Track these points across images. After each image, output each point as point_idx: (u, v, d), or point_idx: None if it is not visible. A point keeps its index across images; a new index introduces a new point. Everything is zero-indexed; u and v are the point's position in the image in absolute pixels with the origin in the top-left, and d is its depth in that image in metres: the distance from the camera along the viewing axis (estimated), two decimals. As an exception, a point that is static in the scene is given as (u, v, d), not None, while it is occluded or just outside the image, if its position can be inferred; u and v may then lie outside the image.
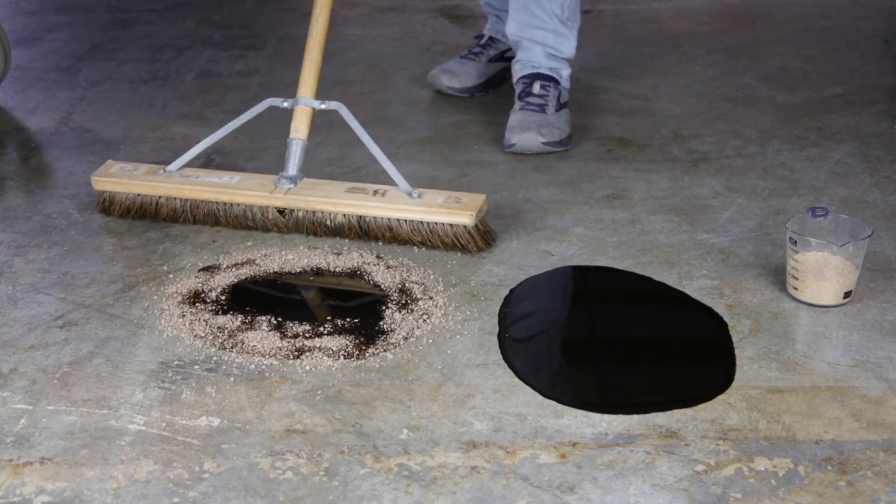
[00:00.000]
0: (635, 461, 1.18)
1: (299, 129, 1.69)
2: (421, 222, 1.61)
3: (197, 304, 1.49)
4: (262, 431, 1.24)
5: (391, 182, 1.66)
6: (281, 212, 1.66)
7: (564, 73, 2.10)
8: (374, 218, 1.62)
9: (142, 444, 1.21)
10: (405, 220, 1.61)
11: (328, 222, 1.64)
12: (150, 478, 1.16)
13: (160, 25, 2.87)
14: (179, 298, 1.51)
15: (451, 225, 1.59)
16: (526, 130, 1.96)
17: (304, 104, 1.70)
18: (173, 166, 1.72)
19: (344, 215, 1.63)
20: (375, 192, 1.63)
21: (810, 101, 2.27)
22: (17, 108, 2.30)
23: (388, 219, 1.62)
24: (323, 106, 1.70)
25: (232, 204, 1.67)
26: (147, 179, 1.71)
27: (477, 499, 1.13)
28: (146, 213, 1.72)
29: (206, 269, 1.59)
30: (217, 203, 1.68)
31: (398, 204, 1.61)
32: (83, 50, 2.65)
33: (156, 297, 1.52)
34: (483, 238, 1.61)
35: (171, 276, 1.58)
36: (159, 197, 1.70)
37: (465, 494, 1.13)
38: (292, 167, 1.66)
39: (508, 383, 1.32)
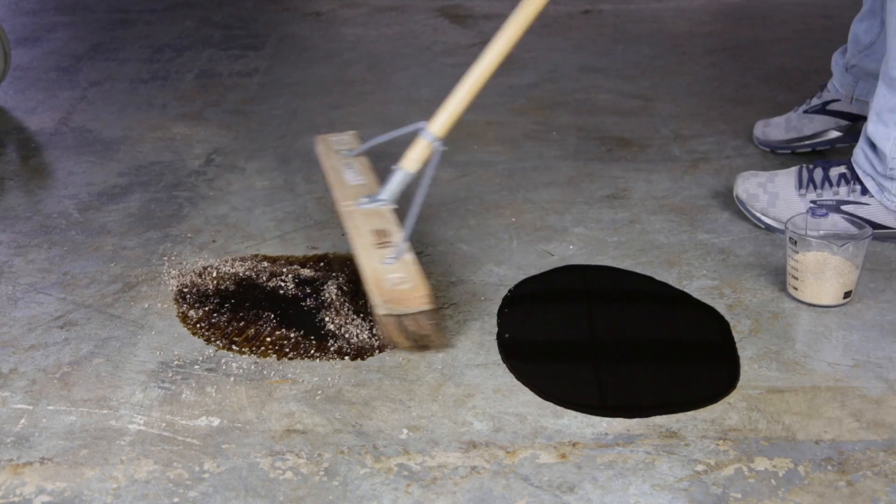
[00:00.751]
0: (635, 461, 1.18)
1: (408, 157, 1.59)
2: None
3: (197, 304, 1.49)
4: (262, 431, 1.24)
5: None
6: None
7: (877, 191, 1.65)
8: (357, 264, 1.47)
9: (142, 444, 1.21)
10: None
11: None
12: (150, 478, 1.16)
13: (160, 25, 2.87)
14: (179, 298, 1.51)
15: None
16: (752, 176, 1.74)
17: (424, 137, 1.61)
18: (356, 150, 1.76)
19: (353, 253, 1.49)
20: (381, 242, 1.47)
21: (810, 101, 2.27)
22: (17, 108, 2.30)
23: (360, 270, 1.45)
24: (435, 144, 1.60)
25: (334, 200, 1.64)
26: (330, 154, 1.76)
27: (477, 499, 1.13)
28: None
29: (205, 268, 1.59)
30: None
31: (368, 259, 1.43)
32: (83, 50, 2.65)
33: (156, 297, 1.52)
34: (411, 339, 1.37)
35: (171, 276, 1.58)
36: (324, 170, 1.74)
37: (465, 494, 1.13)
38: (383, 191, 1.59)
39: (508, 383, 1.32)
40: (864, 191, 1.65)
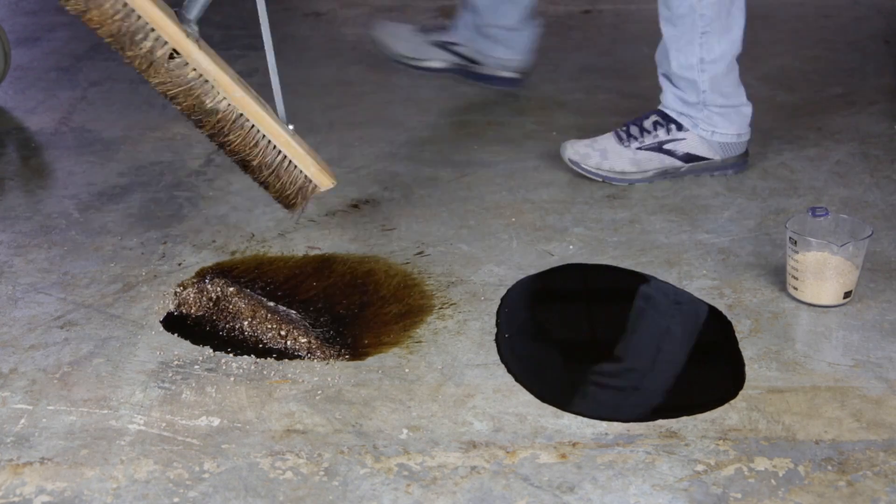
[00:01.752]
0: (635, 461, 1.18)
1: None
2: (284, 156, 1.45)
3: (196, 304, 1.49)
4: (262, 431, 1.24)
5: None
6: (171, 57, 1.35)
7: (703, 125, 1.87)
8: (253, 125, 1.42)
9: (142, 444, 1.21)
10: (272, 143, 1.44)
11: (207, 101, 1.39)
12: (150, 478, 1.16)
13: (160, 25, 2.87)
14: (180, 297, 1.51)
15: (306, 175, 1.47)
16: (576, 142, 1.90)
17: None
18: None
19: (229, 103, 1.40)
20: (259, 101, 1.43)
21: (810, 101, 2.27)
22: (17, 108, 2.30)
23: (263, 132, 1.43)
24: None
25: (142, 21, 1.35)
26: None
27: (477, 499, 1.13)
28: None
29: (203, 269, 1.59)
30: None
31: (279, 125, 1.44)
32: (83, 50, 2.65)
33: (156, 297, 1.52)
34: (305, 203, 1.51)
35: (171, 275, 1.58)
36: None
37: (465, 494, 1.13)
38: (194, 8, 1.40)
39: (508, 383, 1.32)
40: (680, 127, 1.87)
